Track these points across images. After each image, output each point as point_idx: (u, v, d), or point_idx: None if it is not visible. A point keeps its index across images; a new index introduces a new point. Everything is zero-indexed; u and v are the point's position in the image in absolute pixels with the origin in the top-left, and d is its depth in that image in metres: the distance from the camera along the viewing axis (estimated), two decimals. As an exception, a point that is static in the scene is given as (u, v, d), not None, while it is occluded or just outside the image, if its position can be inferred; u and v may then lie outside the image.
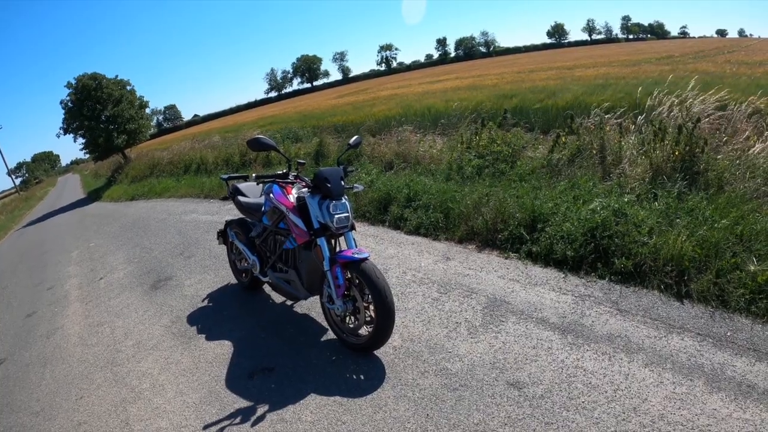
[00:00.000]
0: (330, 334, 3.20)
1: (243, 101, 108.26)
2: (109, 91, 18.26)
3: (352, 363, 2.86)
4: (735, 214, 3.41)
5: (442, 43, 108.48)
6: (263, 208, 3.44)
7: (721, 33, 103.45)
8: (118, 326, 4.24)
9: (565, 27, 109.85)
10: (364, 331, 2.81)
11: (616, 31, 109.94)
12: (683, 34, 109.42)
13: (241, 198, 3.76)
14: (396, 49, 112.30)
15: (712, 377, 2.28)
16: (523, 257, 3.75)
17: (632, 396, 2.21)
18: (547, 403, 2.24)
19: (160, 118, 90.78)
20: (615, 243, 3.42)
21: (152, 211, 9.67)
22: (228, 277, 4.64)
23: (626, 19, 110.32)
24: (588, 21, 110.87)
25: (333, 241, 2.95)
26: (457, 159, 6.14)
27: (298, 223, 2.89)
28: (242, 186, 3.93)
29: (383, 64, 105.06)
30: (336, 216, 2.72)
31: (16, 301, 5.98)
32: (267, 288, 4.12)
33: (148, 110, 21.00)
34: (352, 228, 2.87)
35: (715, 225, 3.31)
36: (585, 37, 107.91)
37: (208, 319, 3.91)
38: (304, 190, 2.97)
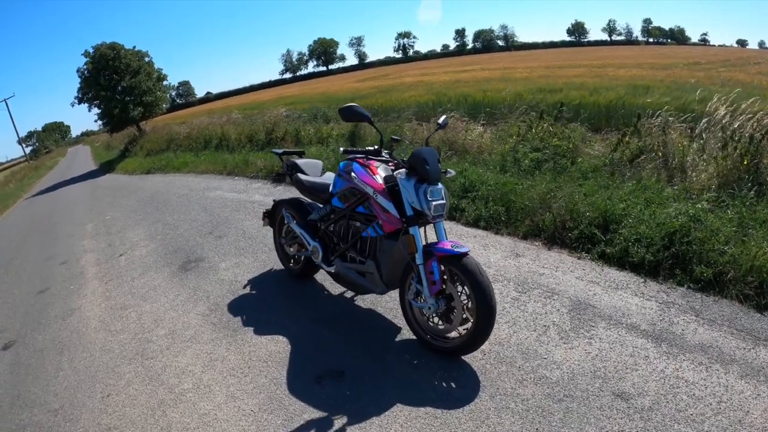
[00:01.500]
0: (404, 334, 2.85)
1: (257, 81, 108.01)
2: (127, 62, 17.81)
3: (439, 368, 2.52)
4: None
5: (460, 33, 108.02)
6: (333, 188, 3.05)
7: (742, 43, 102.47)
8: (146, 311, 3.81)
9: (585, 26, 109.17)
10: (454, 333, 2.52)
11: (637, 33, 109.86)
12: (703, 41, 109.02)
13: (302, 176, 3.36)
14: (414, 37, 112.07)
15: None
16: (596, 258, 3.58)
17: (735, 408, 2.10)
18: (657, 416, 2.10)
19: (174, 93, 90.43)
20: (692, 250, 3.29)
21: (171, 186, 9.22)
22: (270, 262, 4.23)
23: (647, 22, 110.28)
24: (609, 21, 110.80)
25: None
26: (512, 151, 5.77)
27: (389, 208, 2.52)
28: (301, 162, 3.51)
29: (400, 52, 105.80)
30: (434, 203, 2.40)
31: (26, 275, 5.56)
32: (320, 276, 3.72)
33: (165, 83, 20.49)
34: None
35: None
36: (605, 37, 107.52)
37: (254, 310, 3.46)
38: (399, 171, 2.54)
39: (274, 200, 3.83)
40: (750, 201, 3.83)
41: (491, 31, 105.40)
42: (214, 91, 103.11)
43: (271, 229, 3.94)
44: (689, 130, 5.30)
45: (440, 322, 2.56)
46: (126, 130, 21.09)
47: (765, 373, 2.28)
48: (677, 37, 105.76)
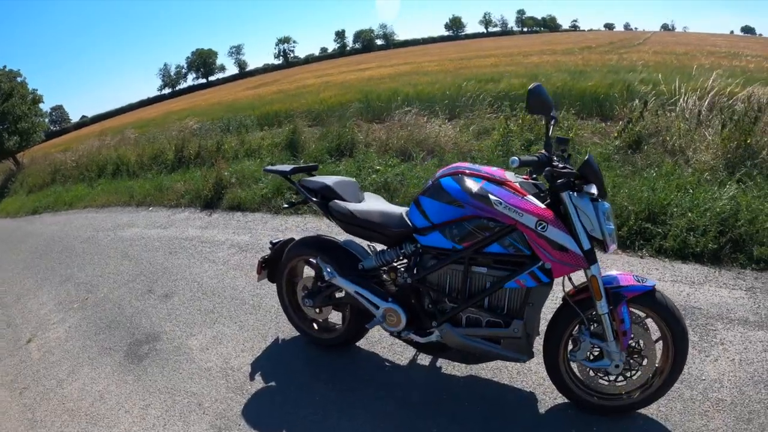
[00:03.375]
0: (545, 401, 2.28)
1: (135, 99, 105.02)
2: (-4, 84, 14.86)
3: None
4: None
5: (340, 35, 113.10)
6: (419, 220, 2.17)
7: (609, 27, 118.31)
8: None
9: (462, 20, 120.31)
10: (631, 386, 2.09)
11: (512, 24, 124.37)
12: (574, 27, 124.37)
13: (344, 204, 2.39)
14: (294, 41, 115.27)
15: None
16: (655, 254, 3.54)
17: None
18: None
19: (47, 120, 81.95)
20: (745, 231, 3.46)
21: (69, 227, 7.40)
22: (265, 327, 3.21)
23: (521, 12, 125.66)
24: (485, 14, 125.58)
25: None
26: (501, 145, 5.59)
27: (566, 243, 1.89)
28: (333, 183, 2.51)
29: (281, 57, 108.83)
30: (612, 228, 1.92)
31: None
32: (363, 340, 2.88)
33: (42, 106, 17.98)
34: None
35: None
36: (482, 29, 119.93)
37: (296, 418, 2.40)
38: (561, 186, 1.90)
39: (273, 242, 2.84)
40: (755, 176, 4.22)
41: (371, 30, 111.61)
42: (90, 114, 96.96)
43: (267, 282, 2.98)
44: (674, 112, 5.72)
45: (616, 379, 2.11)
46: (1, 164, 17.73)
47: None
48: (549, 25, 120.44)
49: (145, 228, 6.02)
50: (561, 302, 2.09)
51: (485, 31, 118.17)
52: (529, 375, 2.43)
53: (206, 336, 3.21)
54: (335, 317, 2.89)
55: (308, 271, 2.83)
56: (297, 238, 2.84)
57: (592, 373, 2.10)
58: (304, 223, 4.78)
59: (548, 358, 2.13)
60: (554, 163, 1.92)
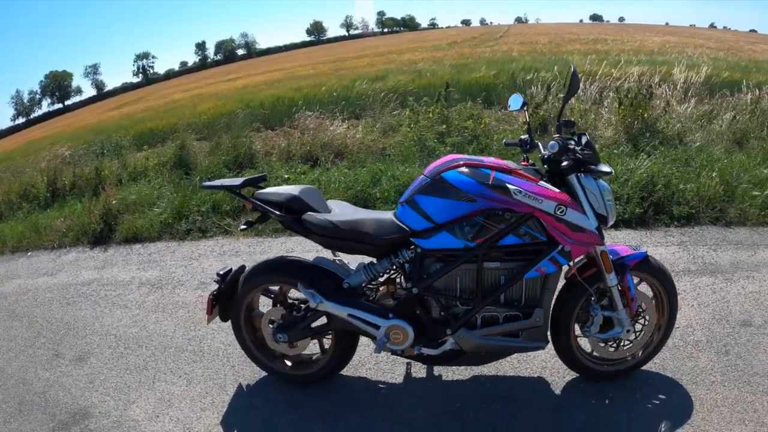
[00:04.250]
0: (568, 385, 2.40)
1: None
2: None
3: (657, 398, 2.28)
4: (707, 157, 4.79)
5: (201, 47, 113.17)
6: (418, 223, 2.11)
7: (466, 22, 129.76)
8: None
9: (323, 24, 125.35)
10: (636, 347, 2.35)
11: (372, 25, 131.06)
12: (433, 26, 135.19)
13: (322, 216, 2.21)
14: (153, 57, 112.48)
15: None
16: None
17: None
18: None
19: None
20: (663, 195, 4.19)
21: None
22: (220, 376, 2.76)
23: (381, 14, 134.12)
24: (346, 17, 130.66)
25: None
26: (417, 141, 5.81)
27: (584, 224, 2.01)
28: (301, 192, 2.29)
29: (140, 74, 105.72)
30: (613, 204, 2.11)
31: None
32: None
33: None
34: None
35: (713, 168, 4.51)
36: (343, 32, 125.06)
37: None
38: (568, 167, 2.04)
39: (220, 273, 2.49)
40: (654, 146, 5.10)
41: (232, 40, 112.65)
42: None
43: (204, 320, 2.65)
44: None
45: (624, 344, 2.33)
46: None
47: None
48: (409, 24, 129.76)
49: (28, 278, 5.02)
50: (564, 283, 2.24)
51: (347, 34, 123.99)
52: (530, 362, 2.55)
53: (149, 400, 2.73)
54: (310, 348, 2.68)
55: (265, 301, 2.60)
56: (235, 264, 2.60)
57: (602, 344, 2.28)
58: (218, 246, 4.42)
59: (559, 339, 2.25)
60: (570, 146, 2.06)
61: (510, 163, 2.10)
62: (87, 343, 3.31)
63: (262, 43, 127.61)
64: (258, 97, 11.71)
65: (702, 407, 2.18)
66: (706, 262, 3.45)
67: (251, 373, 2.69)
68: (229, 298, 2.44)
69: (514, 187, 1.97)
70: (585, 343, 2.35)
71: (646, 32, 29.79)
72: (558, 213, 1.97)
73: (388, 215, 2.21)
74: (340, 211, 2.30)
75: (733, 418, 2.12)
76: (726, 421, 2.11)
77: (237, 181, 2.33)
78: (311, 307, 2.25)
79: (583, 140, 2.10)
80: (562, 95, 2.40)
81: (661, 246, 3.70)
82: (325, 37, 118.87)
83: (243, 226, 2.46)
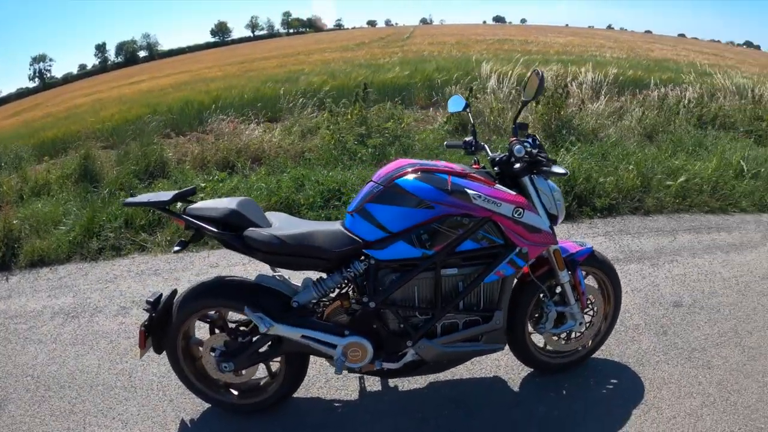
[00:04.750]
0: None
1: None
2: None
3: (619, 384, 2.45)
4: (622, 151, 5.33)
5: (101, 49, 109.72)
6: (369, 233, 2.07)
7: (372, 23, 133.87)
8: None
9: (228, 25, 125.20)
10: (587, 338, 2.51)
11: (278, 26, 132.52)
12: (339, 26, 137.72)
13: (275, 231, 2.09)
14: (51, 59, 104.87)
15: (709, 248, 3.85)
16: None
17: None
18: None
19: None
20: (584, 189, 4.52)
21: None
22: (158, 407, 2.51)
23: (287, 15, 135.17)
24: (252, 17, 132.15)
25: None
26: (336, 144, 5.83)
27: (540, 224, 2.10)
28: (239, 205, 2.14)
29: (37, 79, 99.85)
30: (562, 203, 2.24)
31: None
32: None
33: None
34: None
35: (629, 161, 4.97)
36: (248, 33, 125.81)
37: None
38: (519, 169, 2.11)
39: (150, 300, 2.24)
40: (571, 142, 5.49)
41: (134, 41, 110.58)
42: None
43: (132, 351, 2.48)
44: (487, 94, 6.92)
45: (573, 335, 2.47)
46: None
47: (689, 248, 3.82)
48: (315, 25, 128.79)
49: None
50: (515, 283, 2.30)
51: (252, 34, 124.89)
52: (483, 363, 2.61)
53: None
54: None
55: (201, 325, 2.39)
56: (156, 285, 2.39)
57: (555, 338, 2.42)
58: (135, 265, 4.06)
59: (514, 338, 2.33)
60: (528, 150, 2.14)
61: (462, 167, 2.13)
62: (1, 387, 2.87)
63: (165, 45, 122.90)
64: (165, 100, 11.17)
65: (652, 386, 2.39)
66: (632, 249, 3.78)
67: (192, 405, 2.48)
68: (162, 327, 2.24)
69: (473, 192, 2.00)
70: (537, 339, 2.46)
71: (548, 33, 32.23)
72: (516, 216, 2.04)
73: (335, 226, 2.15)
74: (282, 223, 2.19)
75: (681, 393, 2.34)
76: (675, 396, 2.32)
77: (165, 195, 2.11)
78: (261, 332, 2.12)
79: (537, 142, 2.20)
80: (522, 99, 2.43)
81: (588, 237, 4.00)
82: (230, 38, 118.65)
83: (177, 248, 2.20)
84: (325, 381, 2.57)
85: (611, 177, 4.64)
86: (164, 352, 2.29)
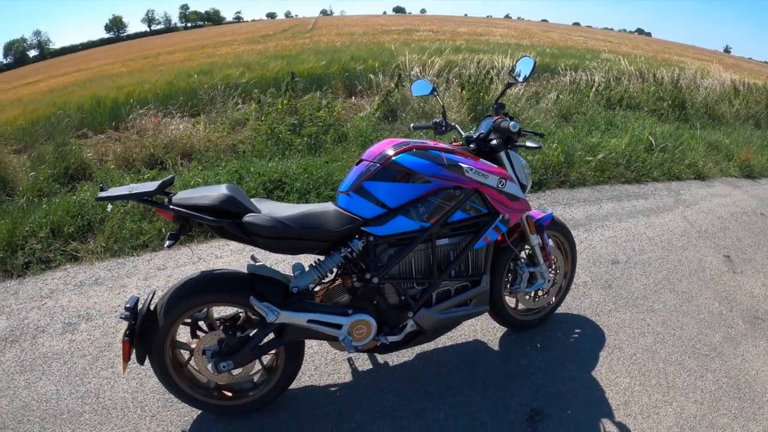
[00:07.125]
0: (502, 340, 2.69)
1: None
2: None
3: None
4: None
5: None
6: (368, 210, 2.12)
7: (272, 15, 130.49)
8: None
9: (123, 19, 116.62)
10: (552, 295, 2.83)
11: (175, 20, 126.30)
12: (238, 19, 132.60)
13: (275, 215, 2.04)
14: None
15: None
16: None
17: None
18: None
19: None
20: None
21: None
22: (139, 427, 2.27)
23: (185, 8, 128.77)
24: (148, 11, 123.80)
25: None
26: (271, 134, 5.80)
27: (518, 193, 2.36)
28: (232, 193, 2.03)
29: None
30: (529, 174, 2.54)
31: None
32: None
33: None
34: None
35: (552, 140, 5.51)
36: (144, 28, 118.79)
37: None
38: (495, 143, 2.37)
39: (128, 306, 2.03)
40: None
41: (24, 39, 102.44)
42: None
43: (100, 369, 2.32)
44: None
45: (540, 294, 2.76)
46: None
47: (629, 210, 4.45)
48: (213, 18, 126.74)
49: None
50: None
51: (149, 29, 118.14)
52: (462, 330, 2.81)
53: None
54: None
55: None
56: (102, 295, 2.20)
57: (527, 297, 2.70)
58: (70, 276, 3.65)
59: (492, 301, 2.52)
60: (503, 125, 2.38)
61: (447, 144, 2.31)
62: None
63: (57, 42, 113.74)
64: (72, 99, 10.21)
65: (610, 331, 2.77)
66: (566, 218, 4.19)
67: (177, 417, 2.33)
68: (144, 335, 2.08)
69: (466, 166, 2.18)
70: (509, 300, 2.70)
71: (449, 23, 33.27)
72: (500, 186, 2.26)
73: (329, 207, 2.16)
74: (273, 208, 2.14)
75: (635, 334, 2.75)
76: (631, 337, 2.73)
77: (149, 186, 1.93)
78: (268, 322, 2.08)
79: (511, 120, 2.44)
80: (507, 80, 2.59)
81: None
82: (125, 34, 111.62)
83: (168, 242, 2.02)
84: (314, 368, 2.57)
85: (538, 155, 5.07)
86: (132, 362, 2.11)
